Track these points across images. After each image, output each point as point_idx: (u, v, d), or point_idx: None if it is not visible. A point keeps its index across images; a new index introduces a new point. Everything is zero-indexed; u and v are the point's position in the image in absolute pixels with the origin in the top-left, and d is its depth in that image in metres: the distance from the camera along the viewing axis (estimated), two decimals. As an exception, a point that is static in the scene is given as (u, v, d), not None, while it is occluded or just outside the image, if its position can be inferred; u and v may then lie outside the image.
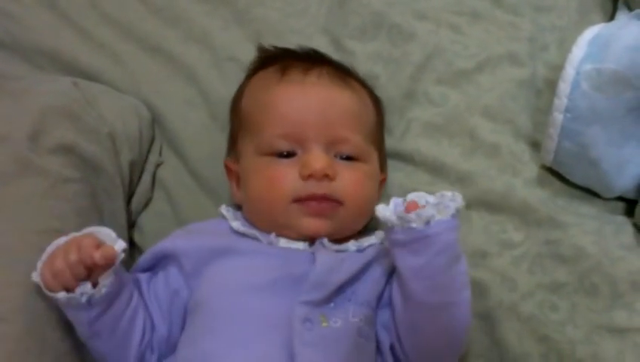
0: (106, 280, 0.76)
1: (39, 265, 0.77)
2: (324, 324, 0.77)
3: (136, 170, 1.00)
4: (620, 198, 1.01)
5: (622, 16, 1.05)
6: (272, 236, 0.85)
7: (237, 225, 0.87)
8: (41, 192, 0.84)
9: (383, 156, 1.00)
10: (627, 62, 0.90)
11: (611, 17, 1.10)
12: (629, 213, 1.00)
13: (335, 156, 0.88)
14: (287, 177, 0.85)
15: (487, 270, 0.96)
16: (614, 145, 0.94)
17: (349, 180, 0.87)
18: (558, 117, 0.93)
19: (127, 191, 0.98)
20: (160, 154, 1.06)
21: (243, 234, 0.87)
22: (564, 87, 0.92)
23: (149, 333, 0.82)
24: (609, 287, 0.93)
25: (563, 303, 0.93)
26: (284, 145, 0.87)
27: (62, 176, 0.86)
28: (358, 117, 0.92)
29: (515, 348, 0.92)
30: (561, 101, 0.93)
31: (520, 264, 0.96)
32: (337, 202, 0.86)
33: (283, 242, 0.85)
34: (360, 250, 0.87)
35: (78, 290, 0.75)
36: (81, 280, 0.75)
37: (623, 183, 0.97)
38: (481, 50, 1.08)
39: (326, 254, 0.83)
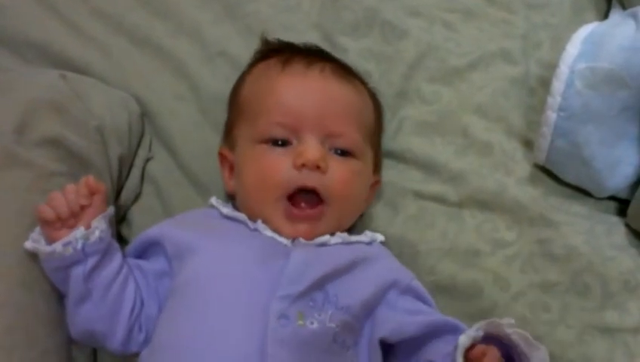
0: (98, 223, 0.80)
1: (32, 233, 0.80)
2: (300, 322, 0.76)
3: (125, 164, 0.99)
4: (612, 198, 1.01)
5: (616, 14, 1.05)
6: (259, 223, 0.85)
7: (227, 210, 0.89)
8: (26, 186, 0.83)
9: (379, 159, 1.00)
10: (621, 62, 0.89)
11: (605, 16, 1.10)
12: (621, 212, 1.00)
13: (330, 149, 0.88)
14: (280, 166, 0.86)
15: (480, 269, 0.95)
16: (607, 145, 0.94)
17: (339, 175, 0.87)
18: (552, 115, 0.93)
19: (116, 185, 0.97)
20: (149, 148, 1.04)
21: (231, 220, 0.88)
22: (558, 85, 0.92)
23: (139, 307, 0.83)
24: (600, 287, 0.93)
25: (554, 303, 0.93)
26: (280, 133, 0.87)
27: (48, 169, 0.86)
28: (357, 113, 0.92)
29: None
30: (555, 99, 0.92)
31: (512, 263, 0.95)
32: (323, 202, 0.86)
33: (269, 231, 0.85)
34: (345, 243, 0.87)
35: (73, 234, 0.78)
36: (73, 225, 0.79)
37: (615, 183, 0.97)
38: (474, 47, 1.08)
39: (303, 249, 0.83)
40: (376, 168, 0.98)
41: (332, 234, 0.87)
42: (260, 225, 0.85)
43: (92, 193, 0.81)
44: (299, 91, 0.89)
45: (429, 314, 0.84)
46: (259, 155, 0.88)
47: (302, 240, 0.85)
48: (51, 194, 0.80)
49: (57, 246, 0.77)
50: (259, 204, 0.87)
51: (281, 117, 0.87)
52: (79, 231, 0.78)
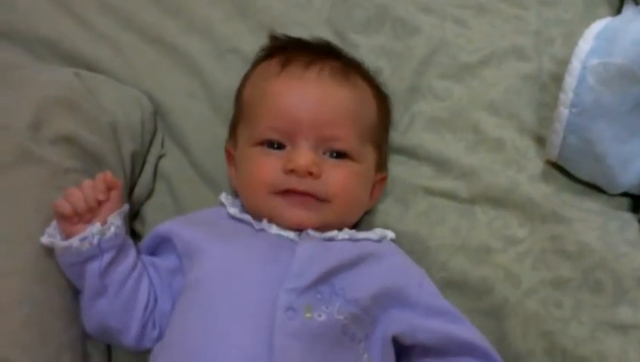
0: (114, 219, 0.81)
1: (48, 228, 0.80)
2: (308, 315, 0.76)
3: (138, 161, 0.99)
4: (625, 194, 1.00)
5: (629, 10, 1.04)
6: (264, 222, 0.86)
7: (234, 211, 0.89)
8: (41, 182, 0.83)
9: (384, 156, 0.99)
10: (634, 57, 0.89)
11: (618, 11, 1.09)
12: (634, 208, 1.00)
13: (325, 153, 0.88)
14: (270, 169, 0.86)
15: (491, 266, 0.95)
16: (620, 141, 0.94)
17: (335, 178, 0.87)
18: (564, 111, 0.92)
19: (129, 182, 0.97)
20: (162, 145, 1.05)
21: (238, 220, 0.88)
22: (570, 81, 0.92)
23: (153, 303, 0.84)
24: (613, 283, 0.92)
25: (567, 299, 0.93)
26: (275, 137, 0.88)
27: (62, 166, 0.86)
28: (354, 115, 0.91)
29: (520, 344, 0.91)
30: (567, 95, 0.92)
31: (524, 260, 0.95)
32: (322, 200, 0.86)
33: (274, 229, 0.85)
34: (352, 240, 0.87)
35: (89, 229, 0.79)
36: (89, 220, 0.80)
37: (628, 179, 0.96)
38: (486, 44, 1.07)
39: (309, 243, 0.83)
40: (381, 166, 0.98)
41: (340, 229, 0.88)
42: (265, 224, 0.86)
43: (109, 188, 0.82)
44: (294, 96, 0.89)
45: (446, 322, 0.85)
46: (253, 157, 0.88)
47: (310, 232, 0.85)
48: (68, 190, 0.80)
49: (74, 241, 0.78)
50: (254, 202, 0.88)
51: (275, 121, 0.87)
52: (95, 227, 0.79)
